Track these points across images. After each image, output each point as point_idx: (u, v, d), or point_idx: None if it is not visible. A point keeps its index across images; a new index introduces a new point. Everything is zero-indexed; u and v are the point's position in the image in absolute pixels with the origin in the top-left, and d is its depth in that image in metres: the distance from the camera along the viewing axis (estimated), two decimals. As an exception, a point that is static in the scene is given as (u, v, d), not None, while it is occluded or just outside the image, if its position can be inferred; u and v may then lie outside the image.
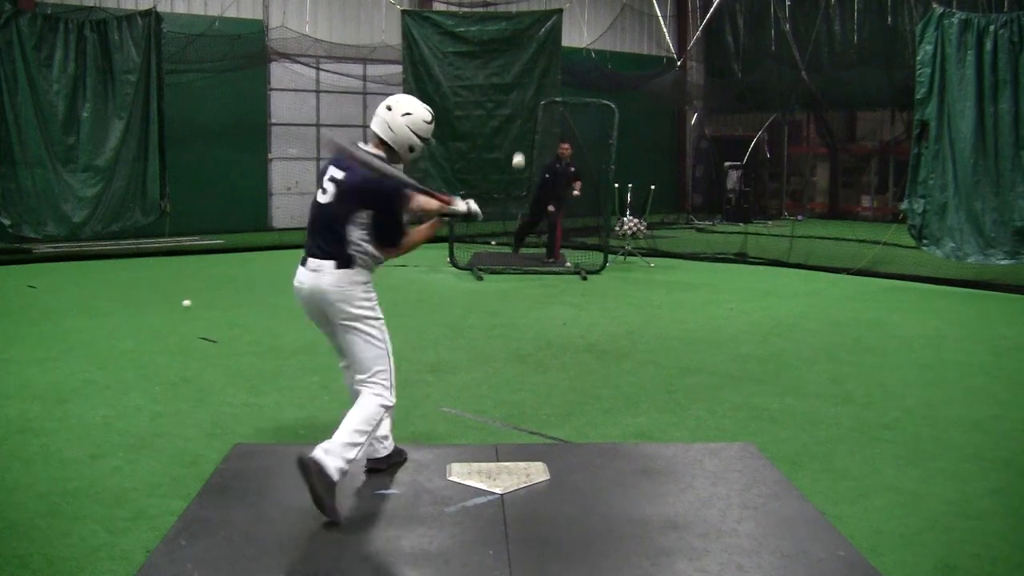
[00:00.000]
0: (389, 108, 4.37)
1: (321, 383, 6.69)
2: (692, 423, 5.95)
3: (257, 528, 4.06)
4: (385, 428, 4.64)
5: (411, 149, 4.40)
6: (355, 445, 4.14)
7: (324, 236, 4.28)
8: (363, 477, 4.64)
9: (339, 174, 4.29)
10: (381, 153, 4.36)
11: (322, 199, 4.30)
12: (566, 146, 14.39)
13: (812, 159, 24.57)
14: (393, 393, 4.36)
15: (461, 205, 4.43)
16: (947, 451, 5.38)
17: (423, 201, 4.34)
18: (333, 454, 4.07)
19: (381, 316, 4.38)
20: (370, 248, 4.29)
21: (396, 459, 4.79)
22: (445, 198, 4.42)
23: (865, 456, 5.28)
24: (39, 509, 4.38)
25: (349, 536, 4.01)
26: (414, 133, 4.37)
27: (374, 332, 4.31)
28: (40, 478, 4.80)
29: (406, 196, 4.27)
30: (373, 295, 4.35)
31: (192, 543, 3.87)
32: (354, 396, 4.39)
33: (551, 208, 13.79)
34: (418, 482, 4.60)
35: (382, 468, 4.68)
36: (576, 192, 13.92)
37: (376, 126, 4.38)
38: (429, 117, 4.44)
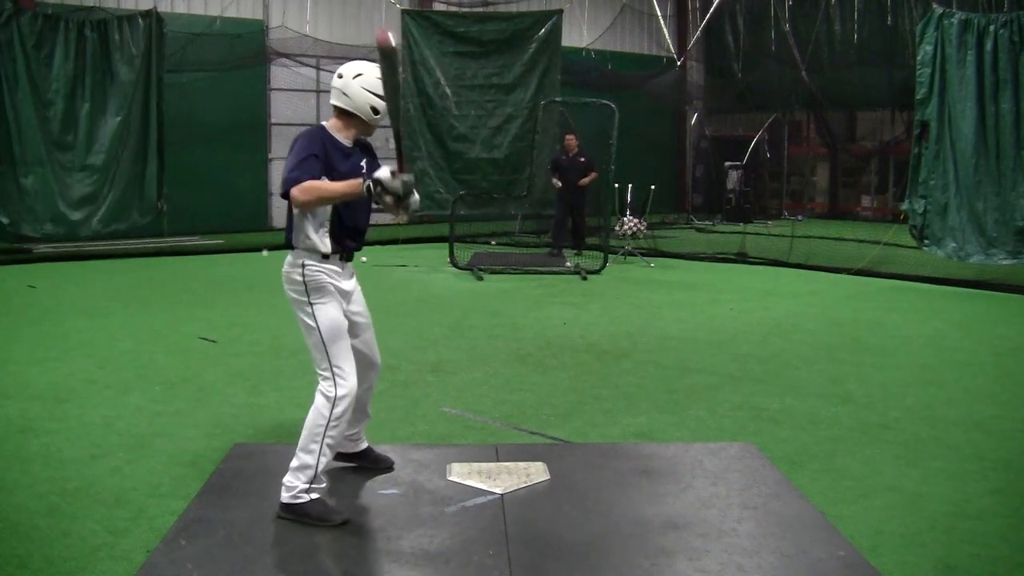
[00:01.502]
0: (340, 76, 4.31)
1: (321, 383, 6.69)
2: (692, 423, 5.94)
3: (257, 528, 4.06)
4: (357, 428, 4.65)
5: (375, 111, 4.29)
6: (306, 467, 4.12)
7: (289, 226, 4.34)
8: (363, 477, 4.65)
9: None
10: (344, 127, 4.29)
11: None
12: (571, 137, 14.39)
13: (812, 159, 24.56)
14: (337, 383, 4.15)
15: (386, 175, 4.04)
16: (947, 451, 5.38)
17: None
18: (290, 488, 4.13)
19: (322, 301, 4.22)
20: (311, 228, 4.24)
21: (372, 463, 4.76)
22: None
23: (865, 456, 5.28)
24: (39, 509, 4.38)
25: (349, 536, 4.01)
26: (371, 93, 4.26)
27: (312, 325, 4.21)
28: (40, 478, 4.80)
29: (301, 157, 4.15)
30: (314, 278, 4.23)
31: (192, 543, 3.87)
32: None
33: (555, 183, 14.31)
34: (418, 482, 4.60)
35: (342, 463, 4.65)
36: (584, 181, 14.11)
37: (333, 99, 4.31)
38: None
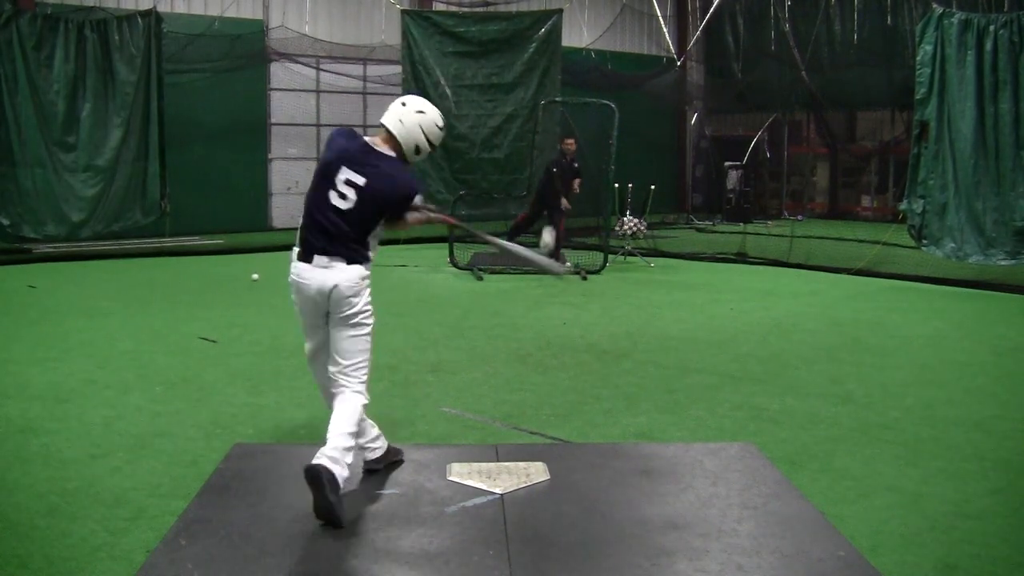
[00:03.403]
0: (404, 104, 4.35)
1: (321, 383, 6.69)
2: (692, 423, 5.95)
3: (257, 528, 4.06)
4: (374, 429, 4.64)
5: (417, 150, 4.33)
6: (350, 449, 4.14)
7: (340, 237, 4.24)
8: (363, 477, 4.64)
9: (359, 179, 4.22)
10: (389, 151, 4.33)
11: (342, 205, 4.21)
12: (571, 142, 14.19)
13: (812, 159, 24.55)
14: (368, 391, 4.38)
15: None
16: (947, 451, 5.39)
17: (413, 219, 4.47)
18: (339, 463, 4.05)
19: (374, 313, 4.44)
20: (375, 244, 4.37)
21: (393, 458, 4.78)
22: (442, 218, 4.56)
23: (865, 456, 5.28)
24: (39, 509, 4.38)
25: (349, 536, 4.01)
26: (424, 133, 4.31)
27: (369, 329, 4.36)
28: (40, 478, 4.80)
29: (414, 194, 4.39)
30: (369, 289, 4.40)
31: (192, 543, 3.87)
32: (328, 393, 4.44)
33: (566, 207, 13.72)
34: (418, 482, 4.60)
35: (379, 468, 4.68)
36: (576, 190, 13.85)
37: (387, 119, 4.33)
38: (442, 122, 4.41)
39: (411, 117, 4.30)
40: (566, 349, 8.06)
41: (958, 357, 7.95)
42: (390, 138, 4.34)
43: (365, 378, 4.34)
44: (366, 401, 4.33)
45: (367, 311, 4.33)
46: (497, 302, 10.68)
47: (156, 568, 3.67)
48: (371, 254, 4.35)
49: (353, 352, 4.31)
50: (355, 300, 4.28)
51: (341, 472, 4.05)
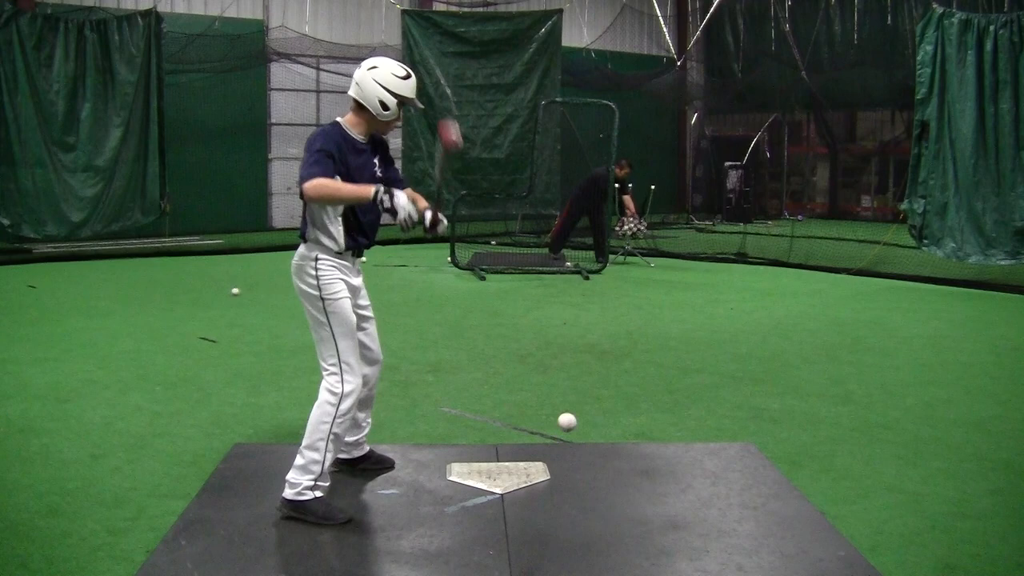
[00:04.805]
0: (359, 67, 4.32)
1: (321, 383, 6.68)
2: (692, 423, 5.95)
3: (257, 528, 4.06)
4: (360, 433, 4.65)
5: (384, 106, 4.22)
6: (312, 464, 4.11)
7: (302, 219, 4.34)
8: (363, 477, 4.65)
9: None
10: (348, 124, 4.30)
11: None
12: (627, 168, 14.31)
13: (812, 159, 24.56)
14: (344, 379, 4.17)
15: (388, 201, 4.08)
16: (947, 451, 5.38)
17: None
18: (295, 485, 4.11)
19: (335, 296, 4.20)
20: (327, 222, 4.21)
21: (367, 464, 4.71)
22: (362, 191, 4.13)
23: (865, 456, 5.28)
24: (39, 509, 4.38)
25: (349, 536, 4.01)
26: (381, 85, 4.21)
27: (323, 319, 4.20)
28: (40, 478, 4.80)
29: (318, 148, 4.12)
30: (327, 274, 4.20)
31: (192, 543, 3.87)
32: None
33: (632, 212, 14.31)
34: (418, 482, 4.60)
35: (336, 470, 4.59)
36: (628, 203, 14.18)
37: (351, 89, 4.32)
38: (402, 72, 4.28)
39: (365, 76, 4.24)
40: (566, 349, 8.06)
41: (958, 357, 7.95)
42: (357, 107, 4.29)
43: (335, 371, 4.16)
44: (343, 390, 4.13)
45: (313, 295, 4.19)
46: (497, 302, 10.68)
47: (156, 568, 3.67)
48: (321, 236, 4.20)
49: (316, 338, 4.26)
50: (296, 278, 4.26)
51: (297, 493, 4.10)
